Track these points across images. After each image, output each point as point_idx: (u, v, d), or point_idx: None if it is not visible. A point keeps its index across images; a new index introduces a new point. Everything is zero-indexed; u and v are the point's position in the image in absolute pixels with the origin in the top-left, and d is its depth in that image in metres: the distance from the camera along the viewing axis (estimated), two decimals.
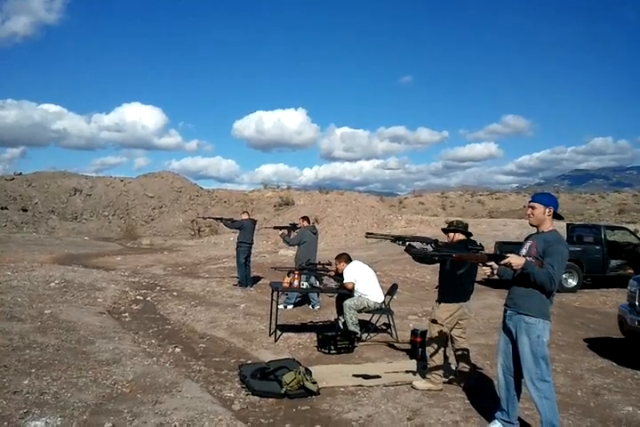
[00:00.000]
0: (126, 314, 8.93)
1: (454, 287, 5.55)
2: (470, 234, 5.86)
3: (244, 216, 12.58)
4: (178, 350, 6.82)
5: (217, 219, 13.66)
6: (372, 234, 6.55)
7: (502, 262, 3.94)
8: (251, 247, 12.29)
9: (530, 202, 4.25)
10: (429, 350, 5.56)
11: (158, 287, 11.86)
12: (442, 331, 5.50)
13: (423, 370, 5.81)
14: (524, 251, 4.20)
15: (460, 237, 5.77)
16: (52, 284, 10.43)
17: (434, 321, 5.56)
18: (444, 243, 6.02)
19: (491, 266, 4.05)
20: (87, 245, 23.34)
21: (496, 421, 4.31)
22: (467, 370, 5.66)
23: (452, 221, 6.02)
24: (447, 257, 4.72)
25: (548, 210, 4.13)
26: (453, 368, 5.89)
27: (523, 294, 4.09)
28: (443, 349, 5.67)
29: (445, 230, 5.91)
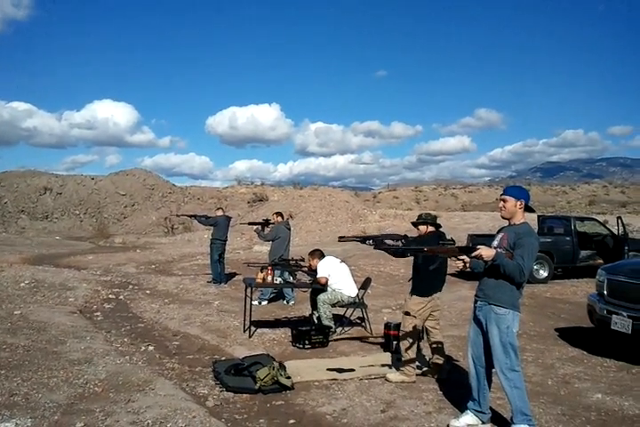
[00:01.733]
0: (98, 313, 8.82)
1: (427, 280, 5.59)
2: (439, 226, 5.90)
3: (219, 213, 12.51)
4: (151, 348, 6.76)
5: (191, 216, 13.58)
6: (344, 238, 6.58)
7: (473, 254, 3.97)
8: (225, 244, 12.24)
9: (501, 195, 4.30)
10: (403, 342, 5.59)
11: (131, 286, 11.74)
12: (415, 323, 5.53)
13: (397, 363, 5.85)
14: (495, 243, 4.24)
15: (430, 229, 5.82)
16: (22, 284, 10.28)
17: (407, 313, 5.59)
18: (414, 237, 6.05)
19: (463, 259, 4.09)
20: (58, 245, 23.03)
21: (468, 411, 4.35)
22: (440, 362, 5.71)
23: (421, 214, 6.06)
24: (419, 252, 4.75)
25: (519, 203, 4.18)
26: (427, 360, 5.95)
27: (493, 286, 4.13)
28: (416, 341, 5.71)
29: (415, 224, 5.95)
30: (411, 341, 5.52)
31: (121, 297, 10.37)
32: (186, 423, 4.22)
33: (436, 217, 6.02)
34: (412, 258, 5.81)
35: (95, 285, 11.39)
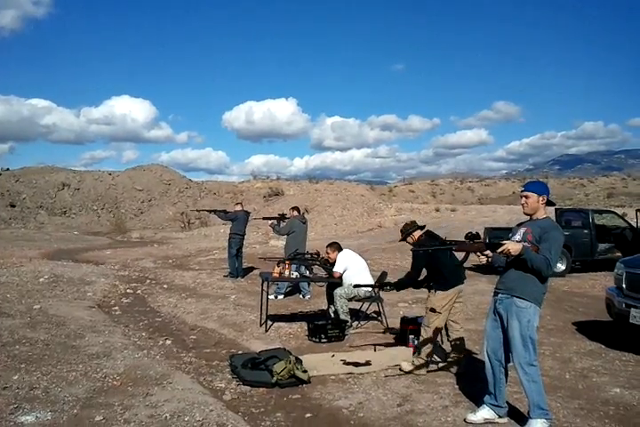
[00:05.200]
0: (116, 308, 8.90)
1: (446, 275, 5.55)
2: (423, 226, 5.95)
3: (238, 208, 12.56)
4: (168, 342, 6.81)
5: (210, 211, 13.65)
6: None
7: (499, 250, 3.93)
8: (243, 239, 12.30)
9: (523, 191, 4.26)
10: (425, 338, 5.52)
11: (148, 280, 11.84)
12: (440, 319, 5.48)
13: (413, 355, 5.83)
14: (517, 237, 4.18)
15: (419, 233, 5.84)
16: (42, 279, 10.38)
17: (432, 310, 5.51)
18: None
19: (487, 255, 4.07)
20: (76, 240, 23.23)
21: (485, 405, 4.33)
22: (459, 356, 5.69)
23: (402, 229, 6.03)
24: (450, 249, 4.72)
25: (541, 198, 4.15)
26: (445, 354, 5.92)
27: (517, 278, 4.08)
28: (437, 336, 5.66)
29: (403, 239, 5.96)
30: (432, 336, 5.49)
31: (138, 292, 10.46)
32: (203, 417, 4.24)
33: (414, 221, 6.07)
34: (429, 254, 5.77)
35: (113, 279, 11.49)
